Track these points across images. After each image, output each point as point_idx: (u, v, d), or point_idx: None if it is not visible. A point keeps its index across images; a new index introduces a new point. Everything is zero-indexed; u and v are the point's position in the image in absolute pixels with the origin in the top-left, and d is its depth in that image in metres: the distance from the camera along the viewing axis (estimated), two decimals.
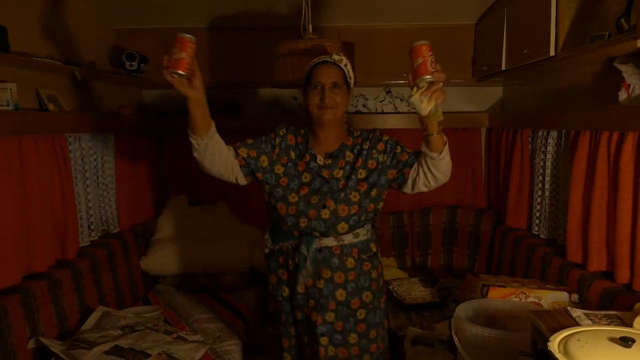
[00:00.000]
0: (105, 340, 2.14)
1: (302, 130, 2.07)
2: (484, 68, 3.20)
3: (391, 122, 3.59)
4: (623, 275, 2.02)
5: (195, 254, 3.17)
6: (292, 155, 2.01)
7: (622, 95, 2.01)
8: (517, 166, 3.00)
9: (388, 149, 1.99)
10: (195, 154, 1.88)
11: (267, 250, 2.13)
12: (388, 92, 3.77)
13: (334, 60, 1.98)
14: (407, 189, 1.98)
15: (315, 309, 2.02)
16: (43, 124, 2.34)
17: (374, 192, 1.99)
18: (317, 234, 1.98)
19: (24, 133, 2.19)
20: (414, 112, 3.97)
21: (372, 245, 2.10)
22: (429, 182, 1.91)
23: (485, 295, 2.20)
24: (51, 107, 2.49)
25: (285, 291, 2.08)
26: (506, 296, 2.17)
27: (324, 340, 2.02)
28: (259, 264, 3.32)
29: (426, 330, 2.53)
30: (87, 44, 3.00)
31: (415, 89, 1.70)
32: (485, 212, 3.56)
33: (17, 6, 2.39)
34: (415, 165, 1.92)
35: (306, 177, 1.98)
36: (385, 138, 2.02)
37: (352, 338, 2.04)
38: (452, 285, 3.05)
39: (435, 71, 1.67)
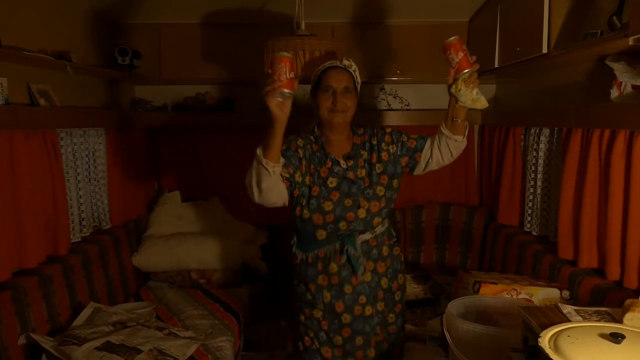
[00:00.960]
0: (96, 336, 2.13)
1: (312, 137, 2.10)
2: None
3: (384, 120, 3.60)
4: (614, 272, 2.03)
5: (187, 250, 3.17)
6: (314, 163, 2.05)
7: (614, 93, 2.01)
8: (510, 164, 3.01)
9: (394, 140, 2.10)
10: (264, 184, 1.80)
11: (298, 261, 2.12)
12: (382, 89, 3.77)
13: (344, 66, 2.05)
14: (419, 170, 2.13)
15: (369, 303, 2.08)
16: (34, 119, 2.33)
17: (394, 182, 2.11)
18: (356, 234, 2.04)
19: (15, 128, 2.17)
20: (407, 109, 3.97)
21: (392, 230, 2.22)
22: (443, 160, 2.06)
23: (477, 292, 2.21)
24: (42, 101, 2.48)
25: (327, 297, 2.06)
26: (498, 293, 2.18)
27: (378, 329, 2.12)
28: (252, 261, 3.32)
29: (418, 327, 2.54)
30: (79, 38, 2.98)
31: (459, 81, 1.85)
32: (478, 209, 3.57)
33: (9, 0, 2.37)
34: (427, 147, 2.07)
35: (332, 182, 2.02)
36: (388, 130, 2.14)
37: (390, 318, 2.17)
38: (445, 282, 3.05)
39: (474, 62, 1.84)
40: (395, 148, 2.09)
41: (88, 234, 2.81)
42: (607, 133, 2.05)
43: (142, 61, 3.25)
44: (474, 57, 1.85)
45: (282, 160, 1.83)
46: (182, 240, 3.21)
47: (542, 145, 2.65)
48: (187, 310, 2.81)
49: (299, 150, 2.02)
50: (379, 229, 2.10)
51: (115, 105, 3.27)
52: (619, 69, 1.96)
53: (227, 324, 2.71)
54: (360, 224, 2.03)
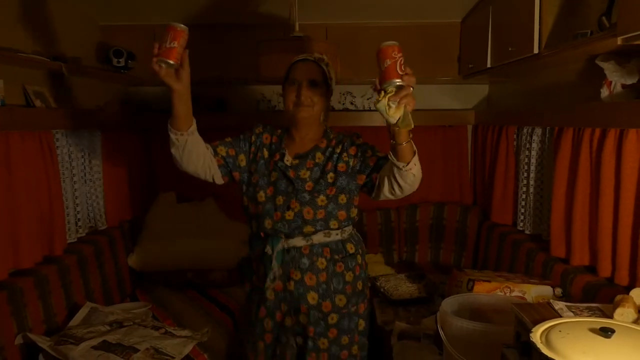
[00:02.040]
0: (93, 336, 2.14)
1: (279, 130, 2.02)
2: (470, 66, 3.24)
3: (378, 120, 3.60)
4: (605, 269, 2.06)
5: (183, 250, 3.17)
6: (265, 153, 1.96)
7: (604, 92, 2.04)
8: (503, 163, 3.04)
9: (359, 153, 1.91)
10: (173, 150, 1.83)
11: (244, 256, 2.11)
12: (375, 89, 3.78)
13: (315, 59, 1.93)
14: (374, 194, 1.88)
15: (288, 314, 1.94)
16: (30, 120, 2.33)
17: (342, 198, 1.90)
18: (282, 235, 1.90)
19: (11, 129, 2.18)
20: None
21: (349, 246, 1.98)
22: (394, 190, 1.77)
23: (470, 290, 2.22)
24: (38, 103, 2.48)
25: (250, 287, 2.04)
26: (491, 290, 2.20)
27: (292, 341, 1.97)
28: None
29: (413, 325, 2.55)
30: (73, 40, 2.98)
31: (382, 93, 1.52)
32: (472, 208, 3.60)
33: (3, 1, 2.37)
34: (385, 169, 1.78)
35: (273, 176, 1.92)
36: (359, 142, 1.95)
37: (322, 343, 1.94)
38: (439, 281, 3.07)
39: (405, 74, 1.50)
40: (356, 162, 1.89)
41: (84, 234, 2.81)
42: (597, 132, 2.07)
43: (136, 62, 3.25)
44: (408, 70, 1.50)
45: (191, 130, 1.80)
46: (178, 241, 3.21)
47: (534, 145, 2.68)
48: (182, 310, 2.83)
49: (253, 136, 1.98)
50: (318, 238, 1.90)
51: (110, 107, 3.27)
52: (609, 69, 1.99)
53: (223, 323, 2.72)
54: (285, 226, 1.87)
